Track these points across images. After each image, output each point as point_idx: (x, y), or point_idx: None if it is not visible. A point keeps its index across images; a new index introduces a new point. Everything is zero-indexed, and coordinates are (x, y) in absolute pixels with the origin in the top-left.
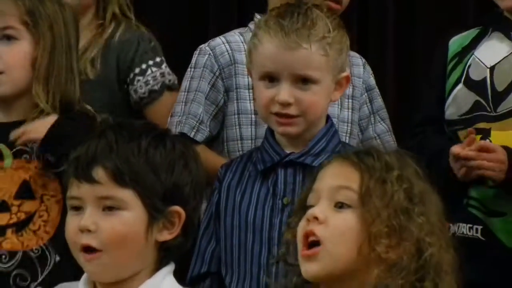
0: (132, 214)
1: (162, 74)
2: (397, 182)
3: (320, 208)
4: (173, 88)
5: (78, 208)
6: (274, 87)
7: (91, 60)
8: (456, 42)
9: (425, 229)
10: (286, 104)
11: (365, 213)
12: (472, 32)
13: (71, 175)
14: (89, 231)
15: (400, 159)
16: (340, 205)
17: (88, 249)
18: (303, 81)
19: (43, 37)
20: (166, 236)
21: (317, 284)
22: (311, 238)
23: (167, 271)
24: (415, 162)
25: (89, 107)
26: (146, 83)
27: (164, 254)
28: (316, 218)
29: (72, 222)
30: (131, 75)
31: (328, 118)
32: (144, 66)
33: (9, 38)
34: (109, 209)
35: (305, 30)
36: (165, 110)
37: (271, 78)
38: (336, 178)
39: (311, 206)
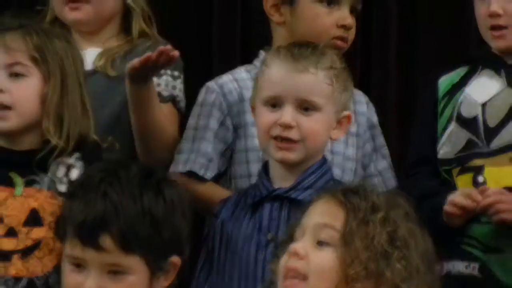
0: (136, 277)
1: (174, 87)
2: (381, 224)
3: (302, 244)
4: (177, 105)
5: (79, 265)
6: (277, 112)
7: (112, 60)
8: (446, 81)
9: (403, 275)
10: (287, 127)
11: (345, 253)
12: (461, 70)
13: (73, 236)
14: None
15: (390, 200)
16: (321, 243)
17: None
18: (306, 108)
19: (53, 74)
20: (163, 284)
21: None
22: (291, 274)
23: None
24: (407, 203)
25: (96, 137)
26: (158, 84)
27: None
28: (296, 253)
29: (73, 279)
30: (161, 71)
31: (323, 158)
32: (162, 71)
33: (17, 74)
34: (114, 273)
35: (314, 57)
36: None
37: (274, 104)
38: (322, 216)
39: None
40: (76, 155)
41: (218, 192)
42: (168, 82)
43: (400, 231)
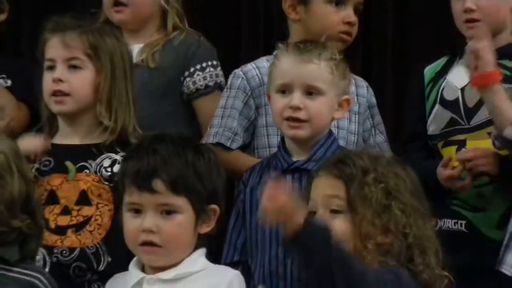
0: (185, 216)
1: (217, 75)
2: (374, 184)
3: (320, 217)
4: (222, 88)
5: (137, 211)
6: (288, 97)
7: (152, 53)
8: (430, 70)
9: (405, 215)
10: (297, 109)
11: (353, 217)
12: (442, 60)
13: (130, 185)
14: (151, 231)
15: (372, 157)
16: (334, 212)
17: (148, 243)
18: (311, 92)
19: (105, 67)
20: (205, 229)
21: None
22: None
23: (202, 252)
24: (383, 154)
25: (138, 129)
26: (204, 78)
27: (200, 241)
28: None
29: (132, 223)
30: (191, 69)
31: (329, 131)
32: (204, 64)
33: (74, 67)
34: (167, 213)
35: (317, 51)
36: (212, 105)
37: (285, 91)
38: (327, 189)
39: (313, 212)
40: (121, 153)
41: (242, 159)
42: (211, 73)
43: (391, 182)
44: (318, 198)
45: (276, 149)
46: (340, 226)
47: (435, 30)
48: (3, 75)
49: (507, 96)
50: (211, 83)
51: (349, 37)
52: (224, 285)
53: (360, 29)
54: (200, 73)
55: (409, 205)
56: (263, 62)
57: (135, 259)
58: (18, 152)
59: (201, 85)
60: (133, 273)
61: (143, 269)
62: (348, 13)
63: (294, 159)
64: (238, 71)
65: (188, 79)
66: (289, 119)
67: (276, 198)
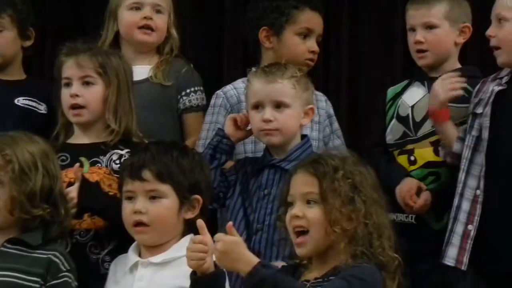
0: (169, 201)
1: (203, 99)
2: (343, 180)
3: (298, 208)
4: (205, 109)
5: (131, 198)
6: (261, 112)
7: (162, 72)
8: (391, 91)
9: (366, 206)
10: (268, 121)
11: (325, 206)
12: (403, 83)
13: (126, 176)
14: (141, 212)
15: (341, 158)
16: (309, 203)
17: (139, 224)
18: (279, 106)
19: (112, 82)
20: (189, 215)
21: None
22: (297, 230)
23: (188, 238)
24: (351, 153)
25: (140, 134)
26: (196, 99)
27: (187, 227)
28: (297, 216)
29: (127, 207)
30: (188, 90)
31: (306, 137)
32: (196, 88)
33: (87, 83)
34: (154, 198)
35: (279, 72)
36: (198, 120)
37: (258, 107)
38: (304, 186)
39: (291, 203)
40: (126, 150)
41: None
42: (201, 96)
43: (356, 178)
44: (296, 192)
45: (250, 154)
46: (314, 214)
47: (379, 62)
48: (35, 99)
49: (452, 124)
50: (200, 104)
51: (312, 63)
52: None
53: (321, 56)
54: (194, 94)
55: (370, 197)
56: (240, 83)
57: (134, 243)
58: (47, 152)
59: (194, 104)
60: (131, 256)
61: (140, 254)
62: (312, 44)
63: (275, 158)
64: (219, 92)
65: (184, 97)
66: (263, 129)
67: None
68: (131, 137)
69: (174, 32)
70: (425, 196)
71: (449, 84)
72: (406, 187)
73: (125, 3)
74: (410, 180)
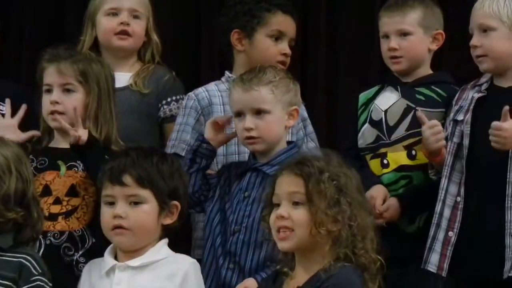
0: (149, 206)
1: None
2: (328, 181)
3: (284, 208)
4: None
5: (111, 203)
6: (243, 120)
7: (143, 80)
8: (363, 96)
9: (351, 208)
10: (249, 129)
11: (311, 208)
12: (374, 88)
13: (106, 180)
14: (121, 217)
15: (326, 159)
16: (295, 203)
17: (118, 228)
18: (259, 112)
19: (93, 90)
20: (168, 221)
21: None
22: (282, 230)
23: (164, 242)
24: (336, 154)
25: (121, 142)
26: (178, 107)
27: (164, 232)
28: (282, 216)
29: (107, 212)
30: (168, 99)
31: (293, 143)
32: (178, 97)
33: (68, 90)
34: (135, 203)
35: (256, 79)
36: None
37: (240, 114)
38: (290, 186)
39: (276, 204)
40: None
41: None
42: (178, 105)
43: (341, 180)
44: (282, 192)
45: (233, 156)
46: (300, 215)
47: (356, 65)
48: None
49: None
50: (176, 112)
51: (284, 66)
52: (182, 271)
53: (299, 59)
54: (176, 103)
55: (355, 199)
56: (212, 85)
57: (110, 247)
58: (20, 156)
59: (175, 113)
60: (107, 260)
61: (116, 257)
62: (284, 46)
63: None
64: (191, 94)
65: (165, 106)
66: (246, 138)
67: None
68: (111, 145)
69: (155, 37)
70: (390, 202)
71: (437, 135)
72: (368, 195)
73: (102, 9)
74: (376, 188)
